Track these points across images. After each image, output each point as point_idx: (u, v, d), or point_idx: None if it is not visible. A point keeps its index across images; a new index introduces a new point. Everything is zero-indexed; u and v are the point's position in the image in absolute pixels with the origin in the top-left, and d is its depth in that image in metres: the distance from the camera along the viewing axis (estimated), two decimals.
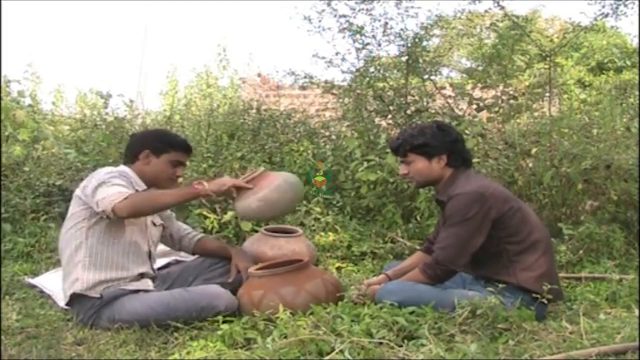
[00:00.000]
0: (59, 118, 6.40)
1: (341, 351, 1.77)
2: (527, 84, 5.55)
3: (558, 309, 2.40)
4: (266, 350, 1.80)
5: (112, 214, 2.20)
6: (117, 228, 2.34)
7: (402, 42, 5.00)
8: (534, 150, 3.97)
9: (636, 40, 8.17)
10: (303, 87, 6.74)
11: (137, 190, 2.36)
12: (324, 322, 1.98)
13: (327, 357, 1.77)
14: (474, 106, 4.96)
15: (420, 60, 5.06)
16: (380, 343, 1.86)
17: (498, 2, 4.61)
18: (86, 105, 7.49)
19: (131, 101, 6.00)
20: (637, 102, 4.99)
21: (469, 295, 2.17)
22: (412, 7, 5.03)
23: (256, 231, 3.31)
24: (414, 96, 5.13)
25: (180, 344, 2.10)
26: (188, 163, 2.98)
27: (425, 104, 5.08)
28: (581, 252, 3.18)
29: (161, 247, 2.75)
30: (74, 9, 17.43)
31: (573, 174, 3.59)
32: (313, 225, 3.87)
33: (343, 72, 5.20)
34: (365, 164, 4.08)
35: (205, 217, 3.78)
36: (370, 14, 4.97)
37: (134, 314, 2.24)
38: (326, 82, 5.35)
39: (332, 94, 5.43)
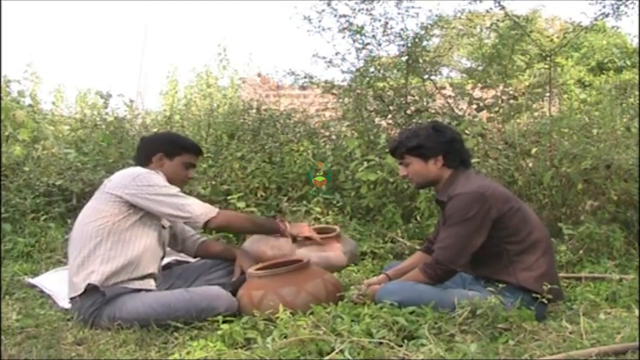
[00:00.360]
0: (59, 118, 6.40)
1: (341, 351, 1.77)
2: (527, 84, 5.55)
3: (558, 309, 2.40)
4: (266, 350, 1.81)
5: (203, 224, 2.40)
6: (140, 228, 2.39)
7: (402, 42, 5.00)
8: (534, 150, 3.97)
9: (636, 40, 8.18)
10: (303, 87, 6.74)
11: None
12: (324, 322, 1.98)
13: (327, 357, 1.77)
14: (474, 106, 4.96)
15: (420, 60, 5.06)
16: (380, 343, 1.86)
17: (499, 2, 4.61)
18: (86, 105, 7.48)
19: (131, 101, 6.00)
20: (637, 102, 4.98)
21: (469, 295, 2.17)
22: (412, 7, 5.03)
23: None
24: (414, 96, 5.13)
25: (180, 344, 2.10)
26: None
27: (425, 104, 5.07)
28: (581, 252, 3.18)
29: None
30: (74, 9, 17.43)
31: (573, 174, 3.59)
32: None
33: (343, 72, 5.21)
34: (365, 164, 4.08)
35: None
36: (370, 14, 4.97)
37: (134, 313, 2.25)
38: (326, 82, 5.34)
39: (332, 94, 5.43)
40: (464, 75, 6.35)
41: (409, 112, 4.96)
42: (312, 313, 2.09)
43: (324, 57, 5.12)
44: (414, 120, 4.81)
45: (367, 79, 5.05)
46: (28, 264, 3.36)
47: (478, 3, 4.86)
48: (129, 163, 4.44)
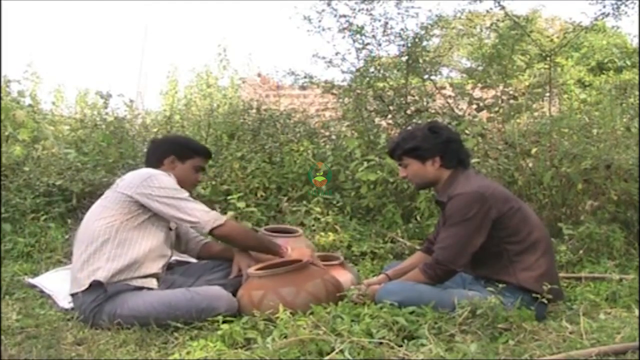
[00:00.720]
0: (59, 118, 6.40)
1: (341, 351, 1.77)
2: (527, 84, 5.55)
3: (558, 309, 2.40)
4: (266, 350, 1.81)
5: (209, 231, 2.40)
6: (148, 228, 2.41)
7: (402, 42, 5.00)
8: (534, 150, 3.97)
9: (636, 40, 8.17)
10: (303, 87, 6.74)
11: None
12: (324, 322, 1.98)
13: (327, 357, 1.77)
14: (474, 106, 4.96)
15: (420, 60, 5.06)
16: (380, 343, 1.86)
17: (499, 2, 4.61)
18: (86, 105, 7.49)
19: (131, 101, 6.00)
20: (637, 102, 4.98)
21: (469, 295, 2.17)
22: (412, 7, 5.03)
23: (256, 231, 3.31)
24: (414, 96, 5.13)
25: (180, 344, 2.10)
26: None
27: (425, 104, 5.07)
28: (581, 252, 3.18)
29: None
30: (74, 9, 17.44)
31: (573, 174, 3.59)
32: (313, 225, 3.87)
33: (343, 72, 5.21)
34: (365, 164, 4.08)
35: None
36: (370, 14, 4.97)
37: (135, 311, 2.26)
38: (326, 82, 5.34)
39: (332, 94, 5.43)
40: (464, 75, 6.35)
41: (409, 112, 4.96)
42: (312, 313, 2.09)
43: (324, 57, 5.13)
44: (414, 120, 4.81)
45: (367, 79, 5.05)
46: (28, 264, 3.35)
47: (478, 3, 4.87)
48: (129, 163, 4.45)
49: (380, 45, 5.05)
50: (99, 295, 2.30)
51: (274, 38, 18.31)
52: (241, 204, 3.76)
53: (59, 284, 2.71)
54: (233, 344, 1.98)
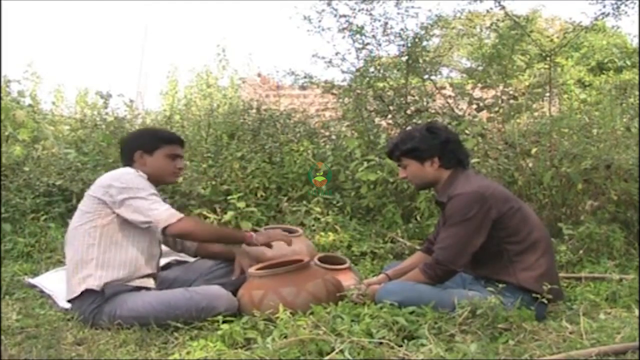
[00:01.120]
0: (59, 118, 6.40)
1: (341, 351, 1.77)
2: (527, 84, 5.55)
3: (558, 309, 2.40)
4: (266, 350, 1.80)
5: (162, 230, 2.32)
6: (130, 229, 2.37)
7: (402, 42, 4.99)
8: (534, 150, 3.97)
9: (636, 40, 8.18)
10: (303, 87, 6.74)
11: None
12: (324, 322, 1.98)
13: (327, 357, 1.77)
14: (474, 106, 4.96)
15: (420, 60, 5.06)
16: (380, 343, 1.86)
17: (499, 2, 4.61)
18: (86, 105, 7.48)
19: (131, 101, 6.00)
20: (637, 102, 4.98)
21: (469, 295, 2.17)
22: (412, 7, 5.02)
23: (256, 231, 3.31)
24: (414, 96, 5.13)
25: (180, 344, 2.10)
26: (188, 163, 3.01)
27: (425, 104, 5.07)
28: (581, 252, 3.18)
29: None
30: (74, 9, 17.45)
31: (573, 174, 3.59)
32: (313, 225, 3.87)
33: (343, 72, 5.20)
34: (365, 164, 4.08)
35: (206, 217, 3.78)
36: (370, 14, 4.97)
37: (134, 311, 2.25)
38: (326, 82, 5.34)
39: (332, 94, 5.43)
40: (464, 75, 6.35)
41: (409, 112, 4.96)
42: (312, 313, 2.09)
43: (323, 57, 5.12)
44: (414, 121, 4.81)
45: (367, 79, 5.05)
46: (28, 264, 3.35)
47: (478, 3, 4.86)
48: None
49: (380, 45, 5.05)
50: (96, 298, 2.29)
51: (274, 38, 18.33)
52: (241, 204, 3.76)
53: (59, 284, 2.70)
54: (233, 344, 1.98)
